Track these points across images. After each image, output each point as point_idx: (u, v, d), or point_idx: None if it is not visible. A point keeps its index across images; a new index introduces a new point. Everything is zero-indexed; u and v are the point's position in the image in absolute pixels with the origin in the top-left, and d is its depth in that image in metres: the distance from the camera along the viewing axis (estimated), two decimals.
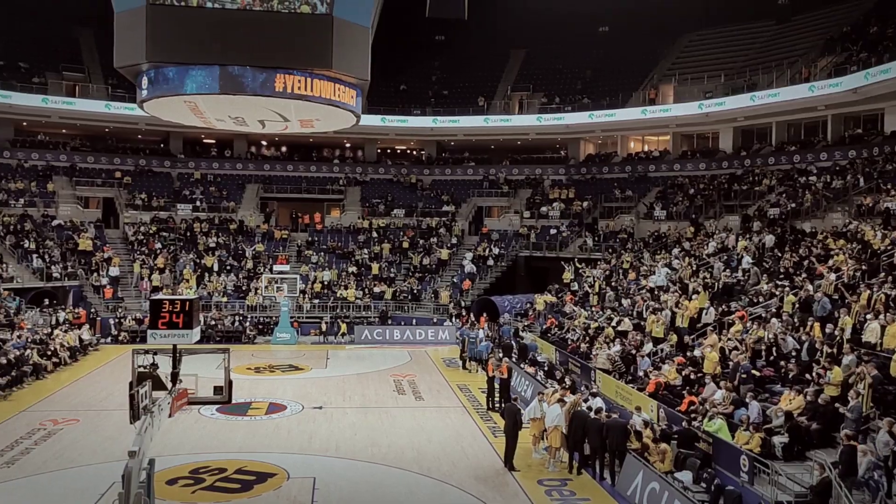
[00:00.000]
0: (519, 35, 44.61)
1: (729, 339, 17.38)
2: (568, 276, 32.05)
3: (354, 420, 18.45)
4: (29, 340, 24.46)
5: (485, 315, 29.76)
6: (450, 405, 20.26)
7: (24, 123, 40.47)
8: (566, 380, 18.56)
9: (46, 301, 31.09)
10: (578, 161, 43.34)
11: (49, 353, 24.40)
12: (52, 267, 32.69)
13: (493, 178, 43.24)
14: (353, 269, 36.46)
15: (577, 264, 32.40)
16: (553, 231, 37.81)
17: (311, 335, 31.77)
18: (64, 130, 41.88)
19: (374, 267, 36.43)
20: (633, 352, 19.49)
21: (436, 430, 17.57)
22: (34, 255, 32.92)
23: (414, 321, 33.08)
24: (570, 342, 23.31)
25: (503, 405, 16.86)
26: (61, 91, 39.15)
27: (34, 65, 40.22)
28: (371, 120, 38.66)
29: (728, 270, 23.72)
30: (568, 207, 39.36)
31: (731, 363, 15.84)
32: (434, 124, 42.18)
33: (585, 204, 39.12)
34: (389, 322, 32.97)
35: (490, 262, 36.81)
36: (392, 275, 36.41)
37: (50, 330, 27.20)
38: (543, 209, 39.60)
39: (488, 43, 44.33)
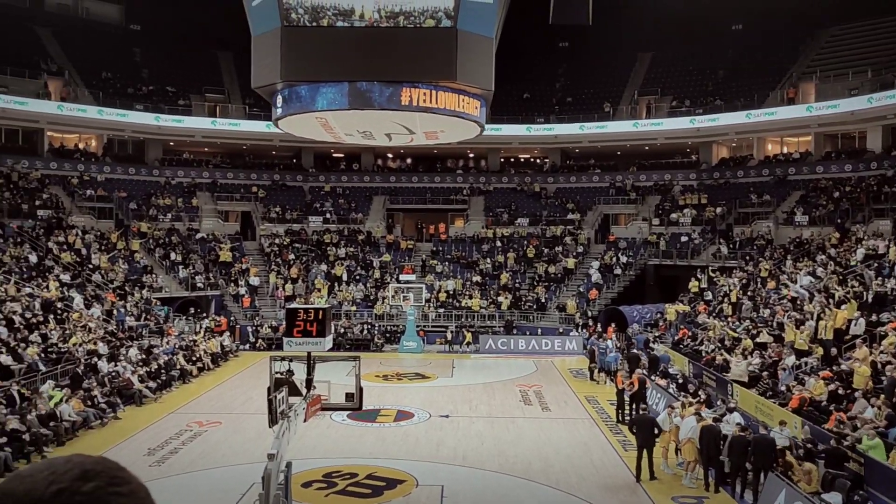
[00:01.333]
0: (645, 38, 43.46)
1: (882, 352, 16.06)
2: (696, 285, 30.75)
3: (481, 429, 18.43)
4: (176, 346, 26.13)
5: (613, 325, 29.04)
6: (577, 417, 19.86)
7: (172, 143, 43.48)
8: (700, 393, 17.76)
9: (191, 310, 33.20)
10: (710, 165, 41.60)
11: (194, 358, 25.95)
12: (196, 277, 34.83)
13: (620, 185, 42.26)
14: (477, 278, 36.61)
15: (711, 273, 31.03)
16: (684, 238, 36.44)
17: (437, 344, 32.12)
18: (206, 149, 44.67)
19: (500, 276, 36.40)
20: (775, 365, 18.38)
21: (563, 441, 17.26)
22: (180, 267, 35.21)
23: (539, 331, 32.76)
24: (704, 354, 22.32)
25: (633, 417, 16.34)
26: (204, 112, 41.99)
27: (179, 88, 43.21)
28: (495, 129, 38.89)
29: (880, 279, 21.95)
30: (700, 214, 37.83)
31: (884, 378, 14.62)
32: (558, 132, 41.83)
33: (719, 210, 37.47)
34: (514, 332, 32.82)
35: (617, 270, 35.94)
36: (517, 284, 36.27)
37: (194, 337, 28.93)
38: (673, 216, 38.26)
39: (613, 47, 43.43)
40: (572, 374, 26.14)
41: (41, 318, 24.18)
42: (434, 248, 39.73)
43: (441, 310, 34.30)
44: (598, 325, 30.36)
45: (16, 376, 19.18)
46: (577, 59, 45.71)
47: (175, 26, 43.74)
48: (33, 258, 30.06)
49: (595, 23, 21.50)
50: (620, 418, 18.82)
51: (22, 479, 1.12)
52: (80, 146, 41.50)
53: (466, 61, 16.71)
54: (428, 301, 33.93)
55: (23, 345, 21.13)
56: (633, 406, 18.31)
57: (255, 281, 35.81)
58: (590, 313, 33.06)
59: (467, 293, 35.19)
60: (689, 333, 25.55)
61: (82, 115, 38.33)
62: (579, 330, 31.75)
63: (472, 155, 46.83)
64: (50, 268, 29.87)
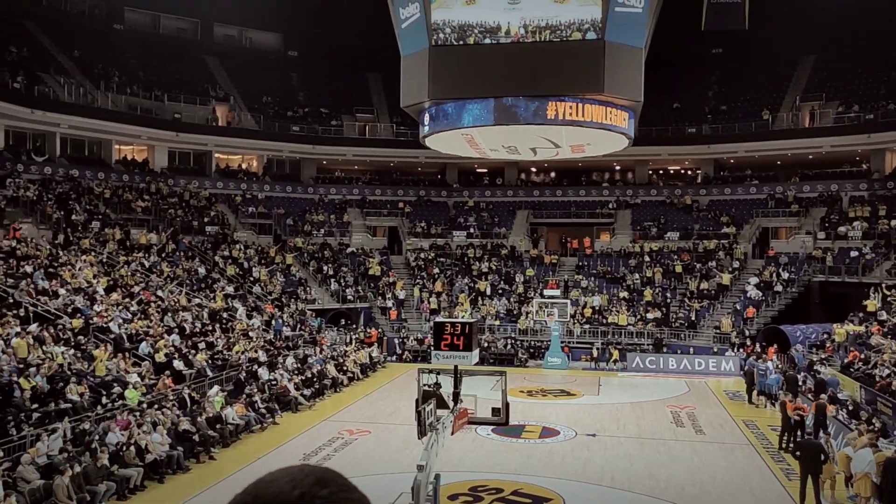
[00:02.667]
0: (808, 40, 40.74)
1: None
2: (873, 303, 28.29)
3: (630, 450, 17.83)
4: (328, 356, 27.25)
5: (774, 346, 27.27)
6: (734, 442, 18.76)
7: (325, 162, 45.64)
8: (874, 421, 16.26)
9: (342, 321, 34.57)
10: (884, 174, 38.28)
11: (345, 368, 26.93)
12: (347, 290, 36.22)
13: (780, 197, 39.75)
14: (624, 294, 35.61)
15: (886, 290, 28.48)
16: (854, 253, 33.66)
17: (583, 361, 31.50)
18: (356, 167, 46.51)
19: (647, 292, 35.25)
20: None
21: (719, 467, 16.34)
22: (332, 280, 36.77)
23: (691, 350, 31.33)
24: (877, 378, 20.46)
25: (797, 442, 15.22)
26: (354, 132, 43.84)
27: (332, 109, 45.36)
28: (643, 140, 37.87)
29: None
30: (872, 227, 34.84)
31: None
32: (710, 142, 40.09)
33: (894, 223, 34.35)
34: (664, 350, 31.59)
35: (778, 287, 33.76)
36: (666, 300, 34.94)
37: (345, 347, 30.04)
38: (841, 229, 35.46)
39: (772, 51, 41.05)
40: (728, 397, 24.78)
41: (209, 327, 26.02)
42: (579, 263, 39.08)
43: (586, 326, 33.63)
44: (757, 344, 28.63)
45: (187, 381, 20.71)
46: (732, 65, 43.58)
47: (328, 51, 46.03)
48: (202, 271, 32.43)
49: (751, 26, 20.48)
50: (784, 445, 17.58)
51: (268, 484, 1.30)
52: (243, 166, 44.49)
53: (614, 73, 16.39)
54: (573, 317, 33.37)
55: (192, 351, 22.79)
56: (799, 432, 17.06)
57: (401, 294, 36.72)
58: (747, 332, 31.24)
59: (614, 309, 34.30)
60: (861, 356, 23.52)
61: (245, 138, 41.15)
62: (736, 350, 30.08)
63: (618, 167, 45.78)
64: (216, 280, 32.10)
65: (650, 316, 33.56)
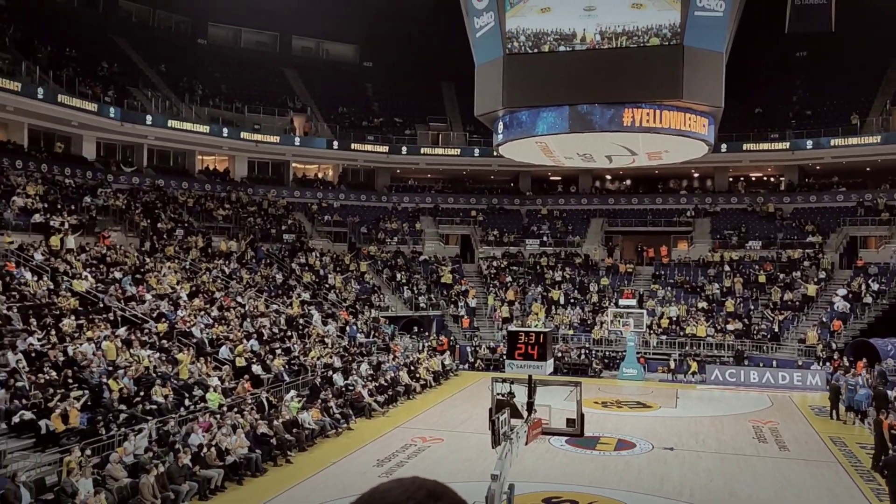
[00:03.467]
0: None
1: None
2: None
3: (709, 465, 17.29)
4: (401, 363, 27.45)
5: (863, 360, 26.04)
6: (821, 459, 17.98)
7: (398, 171, 46.15)
8: None
9: (415, 328, 34.80)
10: None
11: (417, 375, 27.08)
12: (419, 298, 36.46)
13: (870, 204, 37.99)
14: (703, 304, 34.66)
15: None
16: None
17: (659, 372, 30.79)
18: (429, 175, 46.86)
19: (728, 303, 34.18)
20: None
21: (805, 485, 15.68)
22: (405, 287, 37.08)
23: (774, 363, 30.23)
24: None
25: (885, 459, 14.48)
26: (427, 141, 44.21)
27: (406, 119, 45.88)
28: (723, 147, 36.98)
29: None
30: None
31: None
32: (794, 148, 38.70)
33: None
34: (745, 363, 30.56)
35: (867, 299, 32.22)
36: (748, 311, 33.82)
37: (418, 355, 30.22)
38: None
39: (860, 53, 39.36)
40: (814, 412, 23.78)
41: (286, 333, 26.61)
42: (655, 272, 38.27)
43: (663, 337, 32.87)
44: (845, 358, 27.38)
45: (264, 385, 21.21)
46: (817, 68, 42.03)
47: (402, 61, 46.70)
48: (279, 278, 33.23)
49: (837, 28, 19.68)
50: (875, 464, 16.74)
51: (382, 494, 1.35)
52: (319, 175, 45.42)
53: (694, 78, 16.00)
54: (649, 327, 32.68)
55: (270, 356, 23.34)
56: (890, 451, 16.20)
57: (473, 302, 36.72)
58: (834, 345, 29.93)
59: (692, 320, 33.41)
60: None
61: (321, 148, 42.05)
62: (822, 364, 28.86)
63: (696, 175, 44.69)
64: (293, 287, 32.83)
65: (730, 327, 32.55)
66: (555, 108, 16.76)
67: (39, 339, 18.09)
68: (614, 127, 16.48)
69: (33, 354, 17.29)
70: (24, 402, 15.15)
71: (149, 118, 35.58)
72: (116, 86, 36.23)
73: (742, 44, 19.06)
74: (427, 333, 34.51)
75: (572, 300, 36.37)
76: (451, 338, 34.30)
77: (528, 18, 16.41)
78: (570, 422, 12.96)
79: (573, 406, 13.19)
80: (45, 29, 36.21)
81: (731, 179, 43.78)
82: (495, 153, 19.76)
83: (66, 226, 26.40)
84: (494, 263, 39.92)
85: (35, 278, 21.85)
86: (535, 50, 16.45)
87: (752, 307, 34.11)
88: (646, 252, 40.63)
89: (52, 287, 21.80)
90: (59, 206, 27.80)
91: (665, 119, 16.38)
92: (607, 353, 32.40)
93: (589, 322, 34.48)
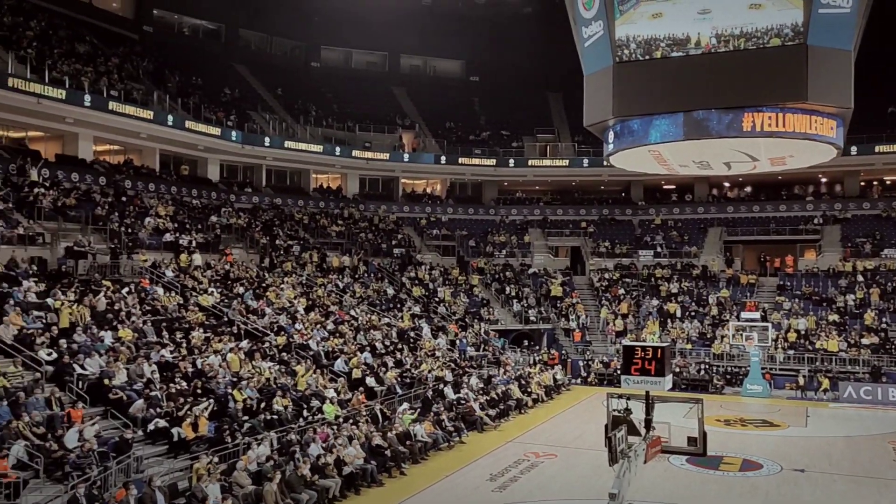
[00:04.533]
0: None
1: None
2: None
3: (844, 488, 16.20)
4: (512, 377, 27.25)
5: None
6: None
7: (506, 183, 46.13)
8: None
9: (525, 342, 34.51)
10: None
11: (528, 389, 26.79)
12: (529, 311, 36.15)
13: None
14: (834, 317, 32.58)
15: None
16: None
17: (787, 389, 29.15)
18: (537, 187, 46.57)
19: (868, 315, 31.92)
20: None
21: None
22: (514, 300, 36.87)
23: None
24: None
25: None
26: (535, 153, 44.00)
27: (513, 131, 45.86)
28: (853, 149, 34.98)
29: None
30: None
31: None
32: None
33: None
34: (883, 379, 28.46)
35: None
36: (885, 324, 31.53)
37: (529, 369, 29.90)
38: None
39: None
40: None
41: (397, 346, 27.01)
42: (780, 283, 36.34)
43: (791, 351, 31.08)
44: None
45: (378, 397, 21.57)
46: None
47: (508, 74, 46.86)
48: (391, 291, 33.81)
49: None
50: None
51: None
52: (428, 190, 46.04)
53: (819, 79, 15.14)
54: (775, 341, 30.99)
55: (383, 369, 23.73)
56: None
57: (583, 315, 36.03)
58: None
59: (822, 333, 31.45)
60: None
61: (429, 163, 42.67)
62: None
63: (824, 179, 42.28)
64: (403, 300, 33.31)
65: (865, 341, 30.43)
66: (668, 116, 16.26)
67: (171, 352, 19.14)
68: (733, 132, 15.83)
69: (165, 365, 18.31)
70: (157, 410, 16.05)
71: (267, 140, 37.27)
72: (238, 110, 38.16)
73: (872, 39, 17.92)
74: (538, 347, 34.16)
75: (690, 313, 35.06)
76: (563, 352, 33.79)
77: (638, 25, 16.05)
78: (691, 440, 12.41)
79: (693, 423, 12.62)
80: (173, 60, 38.69)
81: (862, 184, 41.17)
82: (605, 163, 19.31)
83: (194, 244, 27.90)
84: (606, 275, 39.10)
85: (166, 294, 23.19)
86: (647, 57, 16.04)
87: (890, 320, 31.78)
88: (769, 262, 38.71)
89: (181, 302, 23.08)
90: (187, 226, 29.42)
91: (789, 122, 15.61)
92: (729, 368, 30.99)
93: (708, 336, 33.11)
